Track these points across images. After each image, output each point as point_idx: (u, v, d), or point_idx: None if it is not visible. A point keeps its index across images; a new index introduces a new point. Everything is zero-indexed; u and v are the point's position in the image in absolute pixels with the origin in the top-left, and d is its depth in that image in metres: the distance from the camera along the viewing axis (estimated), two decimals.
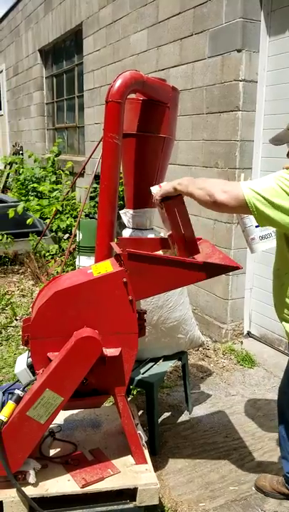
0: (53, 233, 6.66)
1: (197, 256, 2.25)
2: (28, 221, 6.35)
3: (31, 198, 7.69)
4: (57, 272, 5.51)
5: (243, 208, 1.78)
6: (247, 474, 2.64)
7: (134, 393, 3.31)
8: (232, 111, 3.95)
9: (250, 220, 2.16)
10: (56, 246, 6.42)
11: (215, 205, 1.82)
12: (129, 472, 2.12)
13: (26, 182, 8.23)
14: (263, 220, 1.79)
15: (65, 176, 7.60)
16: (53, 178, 7.87)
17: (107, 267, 2.10)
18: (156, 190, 2.15)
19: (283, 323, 2.08)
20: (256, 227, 2.16)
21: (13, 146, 11.97)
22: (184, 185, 1.99)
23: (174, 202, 2.09)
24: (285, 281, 2.02)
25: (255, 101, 3.93)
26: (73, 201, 7.03)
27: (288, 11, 3.64)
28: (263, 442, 2.91)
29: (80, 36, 7.30)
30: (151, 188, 2.22)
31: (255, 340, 4.29)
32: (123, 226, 2.90)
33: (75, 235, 5.20)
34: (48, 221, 6.59)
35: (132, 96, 2.58)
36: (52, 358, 2.02)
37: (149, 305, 2.72)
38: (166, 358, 2.98)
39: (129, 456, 2.20)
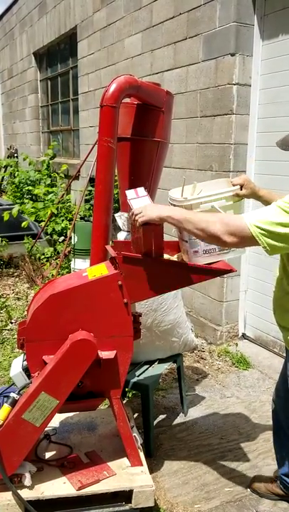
0: (48, 236, 6.66)
1: None
2: (23, 224, 6.36)
3: (26, 200, 7.69)
4: (52, 275, 5.52)
5: (252, 242, 1.74)
6: (242, 475, 2.65)
7: (130, 396, 3.31)
8: (226, 114, 3.97)
9: None
10: (51, 249, 6.42)
11: (223, 245, 1.80)
12: (125, 474, 2.13)
13: (21, 185, 8.23)
14: (275, 250, 1.75)
15: (60, 179, 7.61)
16: (48, 181, 7.88)
17: (102, 270, 2.11)
18: (135, 202, 2.04)
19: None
20: (202, 240, 2.01)
21: (8, 149, 11.97)
22: (176, 220, 1.87)
23: (154, 229, 1.99)
24: None
25: (248, 104, 3.96)
26: (68, 204, 7.04)
27: (281, 14, 3.67)
28: (258, 444, 2.93)
29: (75, 39, 7.31)
30: (127, 192, 2.11)
31: (250, 342, 4.31)
32: (118, 229, 2.92)
33: (70, 238, 5.21)
34: (43, 224, 6.59)
35: (127, 100, 2.60)
36: (47, 361, 2.02)
37: (143, 308, 2.73)
38: (162, 360, 2.99)
39: (125, 458, 2.21)
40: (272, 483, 2.46)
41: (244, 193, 2.08)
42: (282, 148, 2.00)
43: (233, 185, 2.10)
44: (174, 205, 2.10)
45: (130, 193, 2.12)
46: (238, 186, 2.08)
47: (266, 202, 2.14)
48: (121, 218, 2.85)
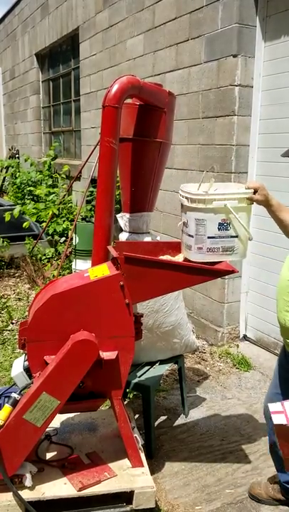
0: (49, 237, 6.66)
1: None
2: (25, 224, 6.35)
3: (27, 201, 7.69)
4: (53, 276, 5.51)
5: None
6: (243, 477, 2.64)
7: (131, 396, 3.31)
8: (228, 115, 3.97)
9: (205, 229, 2.05)
10: (52, 249, 6.42)
11: None
12: (126, 475, 2.12)
13: (22, 185, 8.23)
14: None
15: (61, 180, 7.61)
16: (50, 182, 7.88)
17: (104, 270, 2.11)
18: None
19: None
20: (208, 238, 2.05)
21: (10, 149, 11.97)
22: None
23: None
24: None
25: (250, 106, 3.96)
26: (70, 205, 7.03)
27: (284, 16, 3.67)
28: (259, 445, 2.92)
29: (77, 40, 7.32)
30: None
31: (251, 344, 4.30)
32: (120, 230, 2.91)
33: (72, 239, 5.21)
34: (44, 225, 6.59)
35: (129, 101, 2.60)
36: (48, 362, 2.02)
37: (144, 309, 2.73)
38: (163, 361, 2.99)
39: (126, 459, 2.21)
40: (273, 489, 2.44)
41: (257, 198, 2.06)
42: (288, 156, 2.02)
43: (248, 188, 2.09)
44: (186, 198, 2.09)
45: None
46: (252, 190, 2.07)
47: (273, 213, 2.12)
48: (123, 219, 2.85)
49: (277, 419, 1.72)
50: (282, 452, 1.75)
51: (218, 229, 2.04)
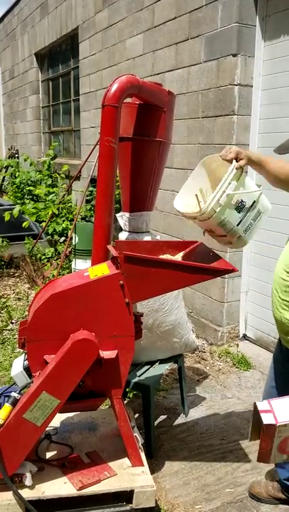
0: (48, 236, 6.66)
1: (194, 259, 2.27)
2: (24, 224, 6.36)
3: (27, 201, 7.69)
4: (53, 275, 5.51)
5: None
6: (243, 476, 2.64)
7: (131, 396, 3.31)
8: (227, 115, 3.97)
9: (230, 223, 2.09)
10: (52, 249, 6.42)
11: None
12: (126, 474, 2.12)
13: (22, 185, 8.23)
14: None
15: (61, 180, 7.61)
16: (49, 182, 7.88)
17: (104, 269, 2.11)
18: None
19: None
20: (237, 225, 2.10)
21: (9, 149, 11.97)
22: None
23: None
24: None
25: (250, 105, 3.96)
26: (69, 204, 7.03)
27: (283, 15, 3.67)
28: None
29: (76, 40, 7.32)
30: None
31: (251, 343, 4.30)
32: (119, 229, 2.92)
33: (71, 238, 5.21)
34: (43, 224, 6.59)
35: (129, 100, 2.60)
36: (48, 361, 2.02)
37: (144, 308, 2.73)
38: (162, 361, 2.99)
39: (126, 458, 2.21)
40: (273, 487, 2.45)
41: (244, 163, 2.10)
42: (280, 152, 2.05)
43: (228, 159, 2.10)
44: (195, 218, 2.12)
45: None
46: (234, 162, 2.09)
47: (257, 166, 2.18)
48: (122, 218, 2.85)
49: (267, 419, 1.73)
50: (261, 445, 1.76)
51: (238, 212, 2.10)
